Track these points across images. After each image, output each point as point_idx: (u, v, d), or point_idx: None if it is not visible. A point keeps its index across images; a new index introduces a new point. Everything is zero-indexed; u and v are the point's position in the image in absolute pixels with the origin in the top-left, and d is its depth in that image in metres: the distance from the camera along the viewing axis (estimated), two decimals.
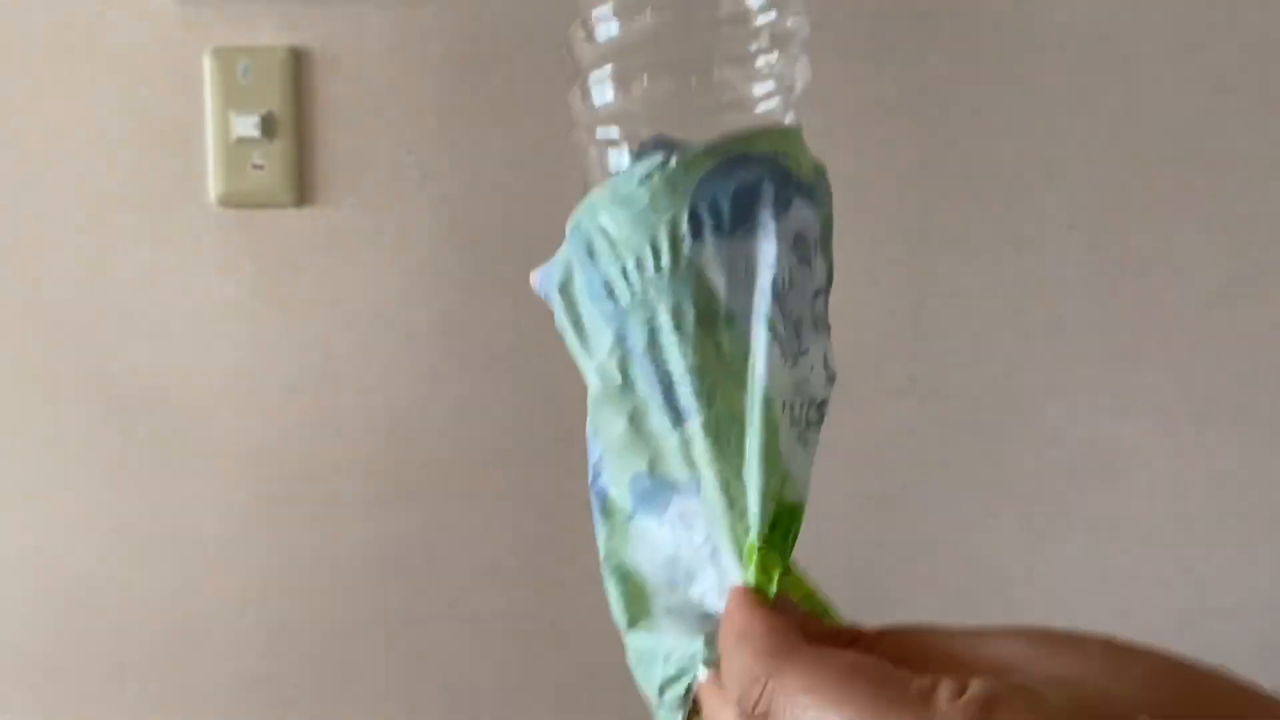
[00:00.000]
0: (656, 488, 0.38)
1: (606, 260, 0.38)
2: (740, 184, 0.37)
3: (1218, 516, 0.96)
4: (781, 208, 0.37)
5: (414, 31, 0.92)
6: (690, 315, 0.37)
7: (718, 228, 0.37)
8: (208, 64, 0.92)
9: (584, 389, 0.38)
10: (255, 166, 0.92)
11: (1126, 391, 0.95)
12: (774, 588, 0.35)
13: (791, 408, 0.37)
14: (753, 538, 0.36)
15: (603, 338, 0.39)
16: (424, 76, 0.92)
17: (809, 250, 0.38)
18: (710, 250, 0.37)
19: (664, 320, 0.37)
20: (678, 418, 0.38)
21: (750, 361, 0.37)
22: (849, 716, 0.29)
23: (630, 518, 0.39)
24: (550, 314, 0.40)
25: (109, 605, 0.97)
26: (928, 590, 0.96)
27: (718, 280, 0.37)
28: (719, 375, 0.37)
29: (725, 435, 0.37)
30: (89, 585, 0.97)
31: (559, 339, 0.40)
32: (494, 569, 0.97)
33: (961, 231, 0.94)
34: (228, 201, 0.93)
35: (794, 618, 0.34)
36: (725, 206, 0.37)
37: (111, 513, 0.96)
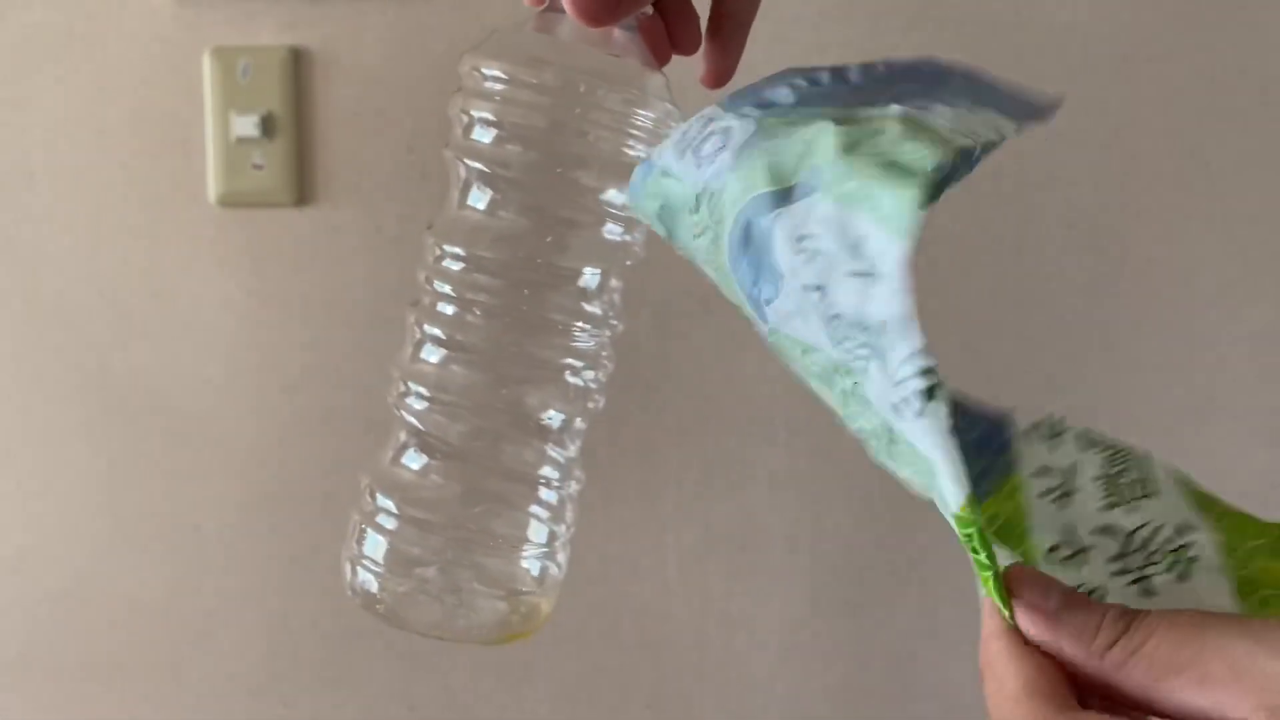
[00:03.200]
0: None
1: None
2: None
3: None
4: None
5: (414, 31, 0.92)
6: None
7: None
8: (207, 64, 0.92)
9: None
10: (255, 166, 0.92)
11: (1127, 391, 0.95)
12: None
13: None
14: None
15: None
16: (424, 76, 0.92)
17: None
18: None
19: None
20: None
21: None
22: None
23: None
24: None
25: (108, 605, 0.97)
26: (928, 591, 0.96)
27: None
28: None
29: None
30: (89, 585, 0.97)
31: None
32: None
33: (961, 231, 0.94)
34: (227, 201, 0.93)
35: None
36: None
37: (110, 512, 0.96)
